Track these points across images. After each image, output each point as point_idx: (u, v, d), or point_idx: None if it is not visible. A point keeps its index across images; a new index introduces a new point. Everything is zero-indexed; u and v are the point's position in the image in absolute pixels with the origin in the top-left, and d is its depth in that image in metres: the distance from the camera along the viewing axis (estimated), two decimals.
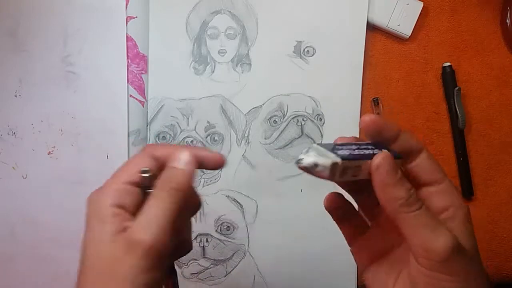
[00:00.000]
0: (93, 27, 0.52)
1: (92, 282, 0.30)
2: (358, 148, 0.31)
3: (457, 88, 0.53)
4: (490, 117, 0.55)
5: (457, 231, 0.30)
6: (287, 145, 0.54)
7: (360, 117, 0.29)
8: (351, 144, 0.31)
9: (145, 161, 0.33)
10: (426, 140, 0.55)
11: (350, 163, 0.30)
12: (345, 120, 0.54)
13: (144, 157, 0.33)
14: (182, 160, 0.32)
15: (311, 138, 0.54)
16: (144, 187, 0.33)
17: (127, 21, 0.52)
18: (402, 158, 0.31)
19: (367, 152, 0.30)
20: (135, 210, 0.31)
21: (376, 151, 0.30)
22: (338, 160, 0.29)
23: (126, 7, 0.52)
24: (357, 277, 0.54)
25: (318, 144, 0.31)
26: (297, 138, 0.54)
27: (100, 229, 0.31)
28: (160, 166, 0.33)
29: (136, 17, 0.52)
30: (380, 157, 0.29)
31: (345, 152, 0.30)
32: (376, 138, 0.31)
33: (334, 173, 0.30)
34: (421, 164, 0.31)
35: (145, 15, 0.53)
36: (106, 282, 0.30)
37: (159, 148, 0.34)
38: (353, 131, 0.54)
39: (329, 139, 0.54)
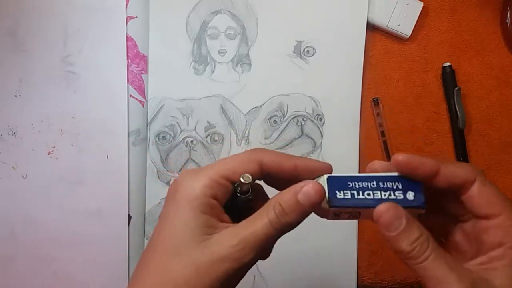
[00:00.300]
0: (93, 27, 0.52)
1: (159, 263, 0.29)
2: (375, 187, 0.30)
3: (457, 88, 0.53)
4: (490, 117, 0.55)
5: (500, 274, 0.27)
6: (287, 145, 0.54)
7: (393, 155, 0.27)
8: (372, 179, 0.30)
9: (250, 165, 0.31)
10: (426, 140, 0.55)
11: (344, 209, 0.30)
12: (345, 120, 0.54)
13: (250, 159, 0.32)
14: (305, 192, 0.30)
15: (311, 138, 0.54)
16: (239, 190, 0.32)
17: (127, 21, 0.52)
18: (423, 208, 0.30)
19: (376, 197, 0.30)
20: (221, 209, 0.31)
21: (397, 193, 0.30)
22: (326, 206, 0.30)
23: (126, 7, 0.52)
24: (357, 277, 0.54)
25: (331, 176, 0.31)
26: (297, 138, 0.54)
27: (189, 215, 0.30)
28: (262, 173, 0.32)
29: (136, 17, 0.52)
30: (381, 210, 0.28)
31: (353, 191, 0.30)
32: (411, 176, 0.29)
33: (324, 214, 0.31)
34: (473, 196, 0.29)
35: (145, 15, 0.53)
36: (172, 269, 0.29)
37: (270, 155, 0.32)
38: (353, 131, 0.54)
39: (329, 139, 0.54)
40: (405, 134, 0.55)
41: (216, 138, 0.54)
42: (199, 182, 0.30)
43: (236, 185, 0.32)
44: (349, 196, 0.30)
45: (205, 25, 0.53)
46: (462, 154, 0.54)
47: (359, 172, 0.54)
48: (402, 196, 0.30)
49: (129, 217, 0.52)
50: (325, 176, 0.31)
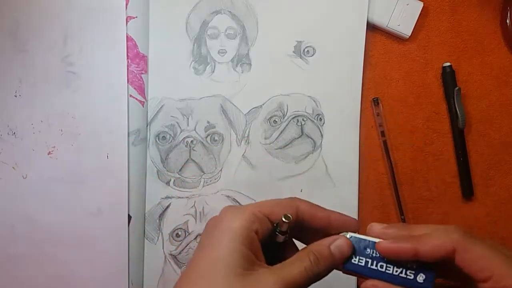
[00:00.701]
0: (93, 27, 0.52)
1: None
2: (386, 271, 0.33)
3: (457, 88, 0.53)
4: (490, 117, 0.55)
5: None
6: (287, 145, 0.54)
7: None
8: (387, 264, 0.33)
9: (288, 209, 0.34)
10: (426, 140, 0.55)
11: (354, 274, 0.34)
12: (345, 120, 0.54)
13: (289, 204, 0.35)
14: (338, 245, 0.34)
15: (311, 138, 0.54)
16: (278, 230, 0.34)
17: (127, 21, 0.52)
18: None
19: (388, 271, 0.33)
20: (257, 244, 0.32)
21: (409, 273, 0.32)
22: (340, 267, 0.34)
23: (126, 7, 0.52)
24: (357, 278, 0.54)
25: (354, 236, 0.34)
26: (297, 138, 0.54)
27: (231, 246, 0.31)
28: (297, 220, 0.34)
29: (136, 17, 0.52)
30: None
31: (368, 259, 0.33)
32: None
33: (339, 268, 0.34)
34: (460, 266, 0.31)
35: (145, 15, 0.53)
36: None
37: (308, 207, 0.35)
38: (353, 131, 0.54)
39: (329, 139, 0.54)
40: (405, 134, 0.55)
41: (216, 138, 0.54)
42: (242, 215, 0.32)
43: (276, 224, 0.34)
44: (363, 264, 0.33)
45: (205, 25, 0.53)
46: (462, 154, 0.54)
47: (359, 172, 0.54)
48: (412, 277, 0.32)
49: (129, 217, 0.52)
50: (349, 235, 0.34)
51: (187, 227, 0.53)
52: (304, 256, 0.32)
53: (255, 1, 0.53)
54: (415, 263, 0.32)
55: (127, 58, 0.52)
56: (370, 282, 0.33)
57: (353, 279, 0.53)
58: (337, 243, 0.33)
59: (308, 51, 0.54)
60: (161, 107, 0.53)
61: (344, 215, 0.37)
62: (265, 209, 0.33)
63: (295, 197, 0.36)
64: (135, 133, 0.52)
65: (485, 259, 0.30)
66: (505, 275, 0.29)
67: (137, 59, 0.53)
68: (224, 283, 0.29)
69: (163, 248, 0.53)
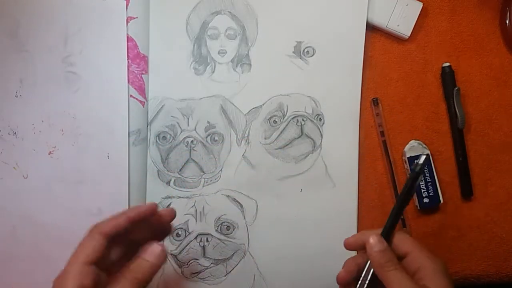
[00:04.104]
0: (94, 27, 0.52)
1: None
2: None
3: (457, 88, 0.53)
4: (490, 117, 0.55)
5: (430, 286, 0.39)
6: (287, 145, 0.54)
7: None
8: None
9: (94, 240, 0.38)
10: (426, 140, 0.55)
11: None
12: (344, 120, 0.54)
13: (92, 236, 0.39)
14: (150, 252, 0.39)
15: (311, 138, 0.54)
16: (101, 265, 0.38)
17: (127, 22, 0.52)
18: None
19: None
20: (94, 286, 0.37)
21: None
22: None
23: (127, 8, 0.52)
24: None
25: None
26: (297, 138, 0.54)
27: None
28: (110, 237, 0.39)
29: (137, 17, 0.52)
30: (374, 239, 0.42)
31: None
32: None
33: None
34: (395, 242, 0.43)
35: (146, 15, 0.53)
36: None
37: (105, 223, 0.40)
38: (353, 131, 0.54)
39: (329, 139, 0.54)
40: (405, 134, 0.55)
41: (216, 138, 0.54)
42: (66, 279, 0.37)
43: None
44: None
45: (205, 26, 0.54)
46: (461, 154, 0.54)
47: (359, 172, 0.54)
48: None
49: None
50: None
51: (187, 226, 0.53)
52: (124, 279, 0.38)
53: (255, 1, 0.54)
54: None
55: (128, 59, 0.52)
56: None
57: None
58: (150, 251, 0.39)
59: (308, 51, 0.54)
60: (161, 107, 0.53)
61: (140, 206, 0.42)
62: (83, 258, 0.38)
63: (96, 224, 0.40)
64: (136, 133, 0.52)
65: (406, 241, 0.42)
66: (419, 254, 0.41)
67: (138, 60, 0.53)
68: None
69: None
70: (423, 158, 0.43)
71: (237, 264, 0.54)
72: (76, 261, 0.38)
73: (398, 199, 0.44)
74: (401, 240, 0.43)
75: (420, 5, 0.54)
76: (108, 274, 0.39)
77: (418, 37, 0.55)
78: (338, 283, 0.44)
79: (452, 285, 0.40)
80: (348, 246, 0.45)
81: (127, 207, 0.52)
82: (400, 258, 0.42)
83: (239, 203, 0.54)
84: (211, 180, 0.54)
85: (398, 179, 0.55)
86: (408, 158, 0.54)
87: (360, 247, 0.44)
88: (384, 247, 0.41)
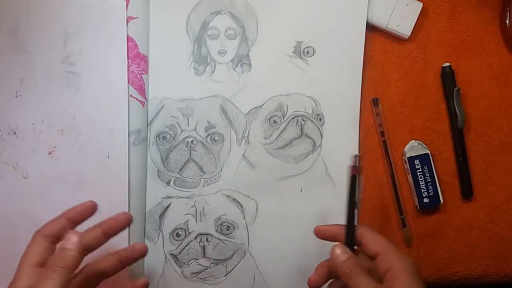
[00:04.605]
0: (94, 27, 0.52)
1: None
2: None
3: (457, 88, 0.53)
4: (490, 117, 0.55)
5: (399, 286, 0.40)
6: (287, 145, 0.54)
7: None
8: None
9: (41, 243, 0.42)
10: (426, 140, 0.55)
11: None
12: (345, 120, 0.54)
13: (38, 240, 0.42)
14: (70, 241, 0.40)
15: (311, 138, 0.54)
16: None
17: (127, 22, 0.52)
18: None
19: None
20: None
21: None
22: None
23: (127, 8, 0.52)
24: None
25: None
26: (297, 138, 0.54)
27: None
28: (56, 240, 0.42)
29: (137, 17, 0.52)
30: (337, 249, 0.43)
31: None
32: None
33: None
34: (365, 243, 0.44)
35: (146, 15, 0.53)
36: None
37: (47, 228, 0.43)
38: (353, 131, 0.54)
39: (329, 139, 0.54)
40: (405, 134, 0.55)
41: (216, 138, 0.54)
42: (17, 283, 0.40)
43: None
44: None
45: (205, 26, 0.54)
46: (461, 154, 0.54)
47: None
48: None
49: None
50: None
51: (187, 226, 0.53)
52: (48, 269, 0.39)
53: (255, 1, 0.54)
54: None
55: (128, 59, 0.52)
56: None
57: None
58: (70, 242, 0.41)
59: (308, 51, 0.54)
60: (161, 107, 0.53)
61: (75, 206, 0.45)
62: (30, 261, 0.41)
63: (35, 232, 0.43)
64: (136, 133, 0.52)
65: (380, 244, 0.43)
66: (391, 256, 0.41)
67: (138, 60, 0.53)
68: None
69: (163, 248, 0.53)
70: (355, 159, 0.44)
71: (237, 264, 0.54)
72: (22, 264, 0.41)
73: (347, 203, 0.44)
74: (372, 241, 0.43)
75: (420, 5, 0.54)
76: None
77: (418, 37, 0.55)
78: (309, 286, 0.46)
79: (422, 285, 0.40)
80: (318, 233, 0.47)
81: (127, 207, 0.52)
82: (372, 258, 0.43)
83: (239, 203, 0.54)
84: (211, 180, 0.54)
85: (398, 179, 0.55)
86: (408, 158, 0.54)
87: (328, 239, 0.46)
88: (347, 256, 0.42)
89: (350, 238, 0.44)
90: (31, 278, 0.40)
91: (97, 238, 0.43)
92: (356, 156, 0.44)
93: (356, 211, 0.44)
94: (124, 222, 0.44)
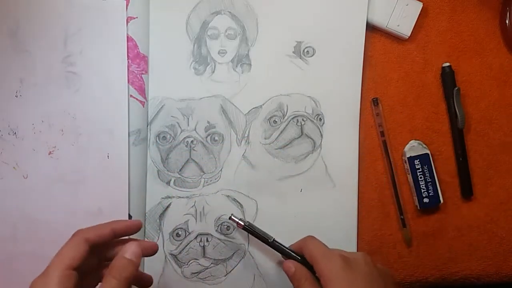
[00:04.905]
0: (94, 27, 0.52)
1: None
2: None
3: (457, 88, 0.53)
4: (490, 117, 0.55)
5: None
6: (287, 145, 0.54)
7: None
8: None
9: (79, 245, 0.39)
10: (426, 140, 0.55)
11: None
12: (345, 120, 0.54)
13: (77, 241, 0.39)
14: (132, 252, 0.40)
15: (311, 138, 0.54)
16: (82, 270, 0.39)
17: (127, 22, 0.52)
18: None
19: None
20: None
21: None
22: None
23: (127, 8, 0.52)
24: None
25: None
26: (297, 138, 0.54)
27: None
28: (92, 245, 0.40)
29: (137, 17, 0.52)
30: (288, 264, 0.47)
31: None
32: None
33: None
34: (305, 255, 0.47)
35: (146, 15, 0.53)
36: None
37: (91, 231, 0.41)
38: (353, 131, 0.54)
39: (329, 139, 0.54)
40: (405, 134, 0.55)
41: (216, 138, 0.54)
42: (48, 284, 0.37)
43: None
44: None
45: (205, 26, 0.54)
46: (461, 154, 0.54)
47: (359, 172, 0.54)
48: None
49: (130, 217, 0.52)
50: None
51: (187, 226, 0.53)
52: (113, 278, 0.38)
53: (255, 1, 0.54)
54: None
55: (128, 59, 0.52)
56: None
57: None
58: (131, 250, 0.40)
59: (308, 51, 0.54)
60: (161, 107, 0.53)
61: (125, 220, 0.47)
62: (66, 262, 0.38)
63: (79, 230, 0.41)
64: (136, 133, 0.52)
65: (310, 251, 0.45)
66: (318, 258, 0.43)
67: (138, 60, 0.53)
68: None
69: (163, 248, 0.53)
70: (235, 221, 0.51)
71: (237, 264, 0.54)
72: (60, 265, 0.38)
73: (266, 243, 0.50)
74: (307, 251, 0.46)
75: (420, 5, 0.54)
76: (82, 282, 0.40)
77: (418, 37, 0.55)
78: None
79: (355, 285, 0.41)
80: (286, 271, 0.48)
81: (127, 207, 0.52)
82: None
83: (239, 203, 0.54)
84: (211, 180, 0.54)
85: (398, 179, 0.55)
86: (408, 158, 0.54)
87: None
88: (293, 270, 0.46)
89: (287, 253, 0.49)
90: (66, 281, 0.37)
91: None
92: (231, 217, 0.51)
93: (273, 241, 0.50)
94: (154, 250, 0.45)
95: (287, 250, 0.49)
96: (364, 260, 0.44)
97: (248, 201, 0.54)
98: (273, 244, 0.50)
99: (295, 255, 0.48)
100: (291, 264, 0.46)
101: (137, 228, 0.45)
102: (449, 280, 0.56)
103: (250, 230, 0.50)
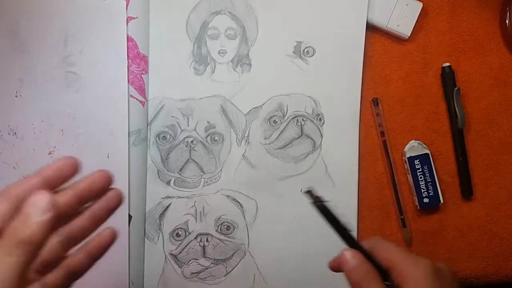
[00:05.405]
0: (94, 27, 0.52)
1: None
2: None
3: (457, 88, 0.53)
4: (490, 117, 0.55)
5: None
6: (287, 145, 0.54)
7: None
8: None
9: (1, 204, 0.30)
10: (426, 140, 0.55)
11: None
12: (344, 120, 0.54)
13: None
14: (37, 206, 0.29)
15: (311, 138, 0.54)
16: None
17: (127, 22, 0.52)
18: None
19: None
20: None
21: None
22: None
23: (127, 8, 0.52)
24: None
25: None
26: (297, 138, 0.54)
27: None
28: (18, 207, 0.30)
29: (137, 17, 0.52)
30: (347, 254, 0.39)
31: None
32: None
33: None
34: (377, 253, 0.38)
35: (146, 15, 0.53)
36: None
37: (15, 187, 0.32)
38: (353, 131, 0.54)
39: (329, 139, 0.54)
40: (405, 134, 0.55)
41: (216, 138, 0.54)
42: None
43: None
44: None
45: (205, 26, 0.54)
46: (461, 154, 0.54)
47: (359, 172, 0.54)
48: None
49: (130, 217, 0.52)
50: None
51: (187, 226, 0.53)
52: (5, 242, 0.28)
53: (255, 1, 0.54)
54: None
55: (128, 59, 0.52)
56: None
57: None
58: (37, 207, 0.29)
59: (308, 51, 0.54)
60: (161, 107, 0.53)
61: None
62: None
63: (6, 187, 0.33)
64: (136, 133, 0.52)
65: (389, 250, 0.38)
66: (404, 266, 0.36)
67: (138, 60, 0.53)
68: None
69: (163, 248, 0.53)
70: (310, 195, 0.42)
71: (237, 264, 0.54)
72: None
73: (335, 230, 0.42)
74: (383, 250, 0.38)
75: (420, 5, 0.54)
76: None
77: (418, 37, 0.55)
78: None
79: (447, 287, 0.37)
80: (333, 268, 0.41)
81: (127, 207, 0.52)
82: (387, 268, 0.38)
83: (239, 203, 0.54)
84: (211, 180, 0.54)
85: (398, 179, 0.55)
86: (408, 158, 0.54)
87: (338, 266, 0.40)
88: (358, 262, 0.37)
89: (351, 241, 0.40)
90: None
91: (70, 204, 0.33)
92: (309, 191, 0.42)
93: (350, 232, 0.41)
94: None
95: (359, 244, 0.40)
96: (451, 272, 0.39)
97: (248, 201, 0.54)
98: (348, 235, 0.41)
99: (366, 252, 0.39)
100: (356, 255, 0.38)
101: (69, 168, 0.34)
102: None
103: (324, 211, 0.42)
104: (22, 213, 0.29)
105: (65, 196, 0.33)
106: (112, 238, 0.37)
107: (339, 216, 0.42)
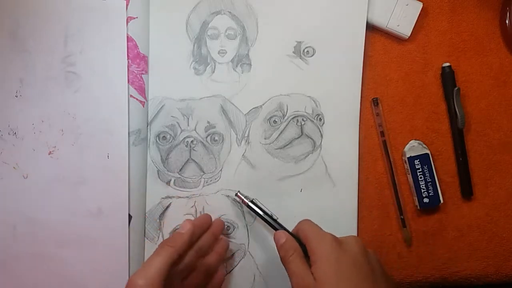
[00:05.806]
0: (94, 27, 0.52)
1: None
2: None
3: (457, 88, 0.53)
4: (489, 117, 0.55)
5: (315, 273, 0.42)
6: (287, 145, 0.54)
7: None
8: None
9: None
10: (426, 140, 0.55)
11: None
12: (344, 120, 0.54)
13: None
14: (183, 226, 0.47)
15: (311, 138, 0.54)
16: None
17: (127, 22, 0.52)
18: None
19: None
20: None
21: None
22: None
23: (127, 8, 0.52)
24: None
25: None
26: (297, 138, 0.54)
27: None
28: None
29: (137, 17, 0.52)
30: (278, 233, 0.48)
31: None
32: None
33: None
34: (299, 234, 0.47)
35: (146, 15, 0.53)
36: None
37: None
38: (353, 131, 0.54)
39: (329, 139, 0.54)
40: (405, 134, 0.55)
41: (216, 138, 0.54)
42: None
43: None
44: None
45: (205, 26, 0.54)
46: (461, 154, 0.54)
47: (358, 172, 0.54)
48: None
49: (130, 217, 0.52)
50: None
51: None
52: (159, 247, 0.45)
53: (255, 1, 0.54)
54: None
55: (128, 59, 0.52)
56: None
57: None
58: (183, 225, 0.48)
59: (308, 51, 0.54)
60: (161, 107, 0.53)
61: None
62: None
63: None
64: (136, 133, 0.52)
65: (304, 230, 0.46)
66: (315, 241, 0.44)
67: (138, 60, 0.53)
68: None
69: None
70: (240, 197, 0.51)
71: (237, 264, 0.54)
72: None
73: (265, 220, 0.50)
74: (302, 230, 0.46)
75: (420, 5, 0.54)
76: None
77: (418, 37, 0.55)
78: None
79: (343, 267, 0.41)
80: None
81: (127, 207, 0.52)
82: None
83: (239, 203, 0.54)
84: (211, 180, 0.54)
85: (398, 179, 0.55)
86: (408, 158, 0.54)
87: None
88: (283, 241, 0.45)
89: (281, 227, 0.49)
90: None
91: (204, 226, 0.50)
92: (236, 193, 0.52)
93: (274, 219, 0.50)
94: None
95: (288, 231, 0.48)
96: (355, 242, 0.44)
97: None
98: (277, 223, 0.49)
99: (292, 234, 0.48)
100: (283, 234, 0.46)
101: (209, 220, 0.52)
102: (449, 280, 0.56)
103: (254, 208, 0.51)
104: (175, 231, 0.48)
105: (204, 220, 0.51)
106: (226, 243, 0.53)
107: (267, 209, 0.50)
